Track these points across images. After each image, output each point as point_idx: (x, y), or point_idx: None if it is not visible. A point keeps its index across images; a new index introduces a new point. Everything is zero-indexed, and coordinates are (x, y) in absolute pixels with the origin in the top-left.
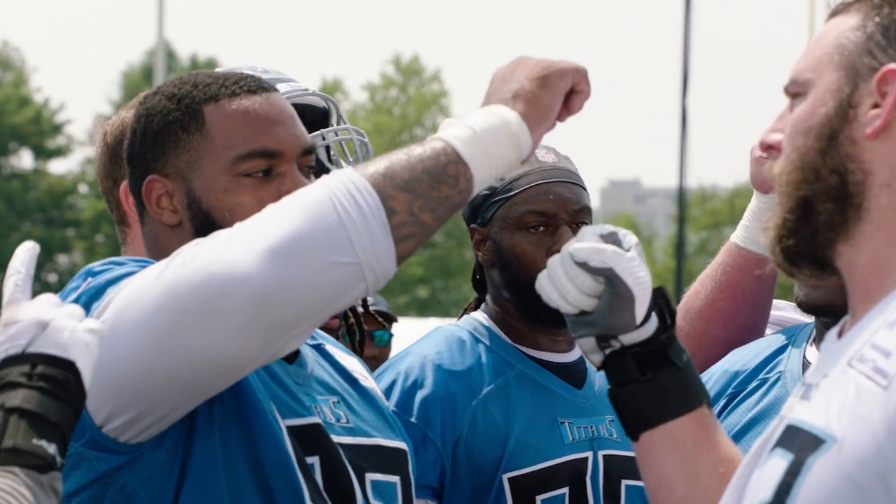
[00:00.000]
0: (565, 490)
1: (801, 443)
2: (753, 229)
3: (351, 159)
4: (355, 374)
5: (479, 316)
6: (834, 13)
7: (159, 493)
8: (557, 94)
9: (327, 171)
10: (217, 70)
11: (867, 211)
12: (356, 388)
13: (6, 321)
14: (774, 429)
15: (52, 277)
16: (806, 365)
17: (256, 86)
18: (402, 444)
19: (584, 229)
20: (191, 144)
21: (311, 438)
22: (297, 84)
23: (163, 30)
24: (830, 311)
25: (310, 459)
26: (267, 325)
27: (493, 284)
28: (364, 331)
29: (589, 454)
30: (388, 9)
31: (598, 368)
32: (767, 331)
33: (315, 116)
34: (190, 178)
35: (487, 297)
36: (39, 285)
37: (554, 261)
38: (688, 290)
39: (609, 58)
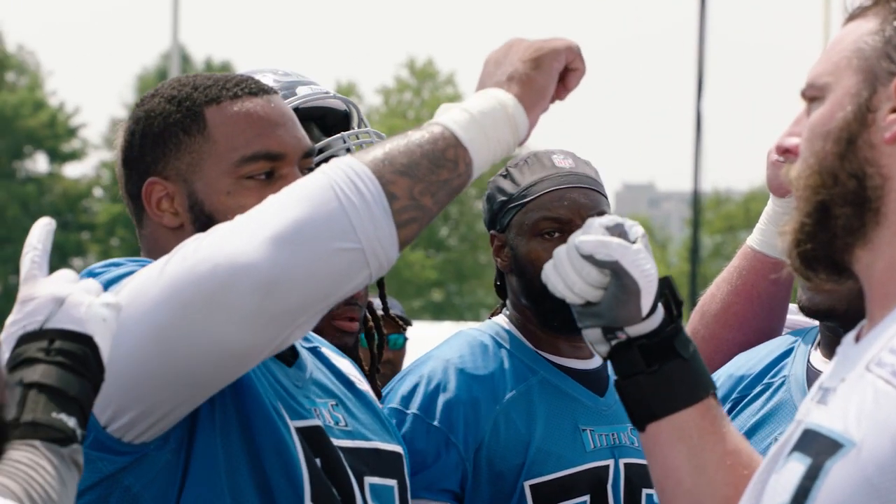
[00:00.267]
0: (586, 498)
1: (818, 447)
2: (769, 233)
3: None
4: (351, 377)
5: (501, 321)
6: (851, 17)
7: (163, 495)
8: (552, 74)
9: None
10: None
11: (885, 215)
12: (353, 391)
13: (23, 298)
14: (791, 433)
15: None
16: (810, 369)
17: (257, 88)
18: (398, 448)
19: (590, 221)
20: (192, 146)
21: (313, 441)
22: (317, 87)
23: (178, 33)
24: (833, 316)
25: None
26: (273, 314)
27: (512, 290)
28: (383, 334)
29: (610, 462)
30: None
31: (605, 359)
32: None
33: (336, 119)
34: (192, 181)
35: (508, 303)
36: None
37: (560, 252)
38: (703, 293)
39: (624, 61)
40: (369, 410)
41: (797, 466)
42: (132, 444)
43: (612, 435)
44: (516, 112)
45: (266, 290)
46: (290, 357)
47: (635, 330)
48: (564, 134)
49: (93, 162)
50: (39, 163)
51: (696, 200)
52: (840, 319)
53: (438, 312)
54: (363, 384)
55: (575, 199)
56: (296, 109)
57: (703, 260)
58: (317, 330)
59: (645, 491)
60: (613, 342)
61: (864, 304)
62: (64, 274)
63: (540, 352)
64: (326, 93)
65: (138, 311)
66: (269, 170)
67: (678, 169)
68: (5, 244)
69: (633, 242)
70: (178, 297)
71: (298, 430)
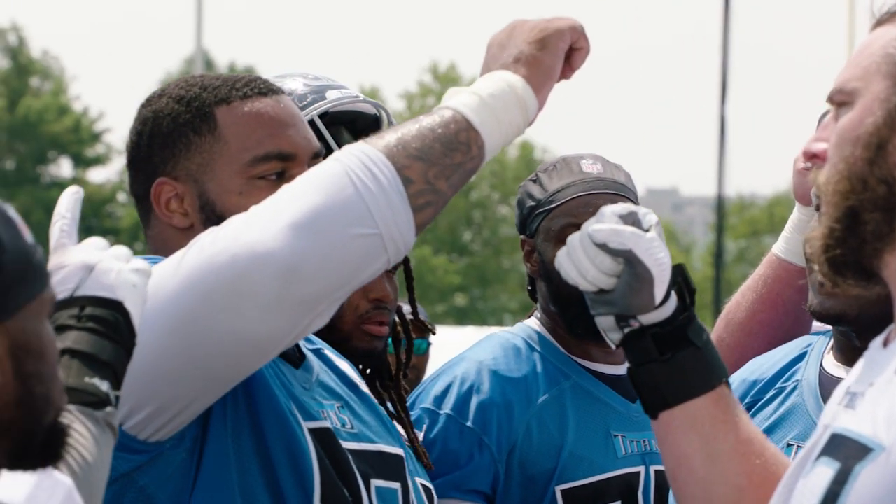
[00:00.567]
0: None
1: (847, 451)
2: (795, 241)
3: None
4: (355, 379)
5: (533, 324)
6: (879, 22)
7: (177, 495)
8: (558, 54)
9: None
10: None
11: None
12: (357, 394)
13: (54, 266)
14: (819, 437)
15: None
16: (823, 373)
17: (266, 88)
18: (400, 451)
19: (604, 209)
20: (203, 147)
21: (323, 443)
22: (347, 91)
23: (201, 38)
24: (844, 321)
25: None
26: (293, 301)
27: (541, 295)
28: (412, 338)
29: (641, 469)
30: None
31: (617, 347)
32: None
33: (366, 123)
34: (202, 181)
35: (538, 307)
36: None
37: (573, 239)
38: (728, 300)
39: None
40: (373, 413)
41: (825, 471)
42: (148, 443)
43: (643, 441)
44: (525, 94)
45: (286, 277)
46: (296, 359)
47: (648, 318)
48: (587, 138)
49: (117, 167)
50: (63, 168)
51: (720, 205)
52: (851, 324)
53: (462, 317)
54: (363, 386)
55: (600, 206)
56: (326, 113)
57: (727, 265)
58: (346, 334)
59: None
60: (626, 330)
61: (875, 310)
62: (94, 241)
63: (571, 356)
64: (356, 97)
65: (156, 304)
66: (281, 170)
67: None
68: None
69: (647, 231)
70: (197, 289)
71: (310, 430)
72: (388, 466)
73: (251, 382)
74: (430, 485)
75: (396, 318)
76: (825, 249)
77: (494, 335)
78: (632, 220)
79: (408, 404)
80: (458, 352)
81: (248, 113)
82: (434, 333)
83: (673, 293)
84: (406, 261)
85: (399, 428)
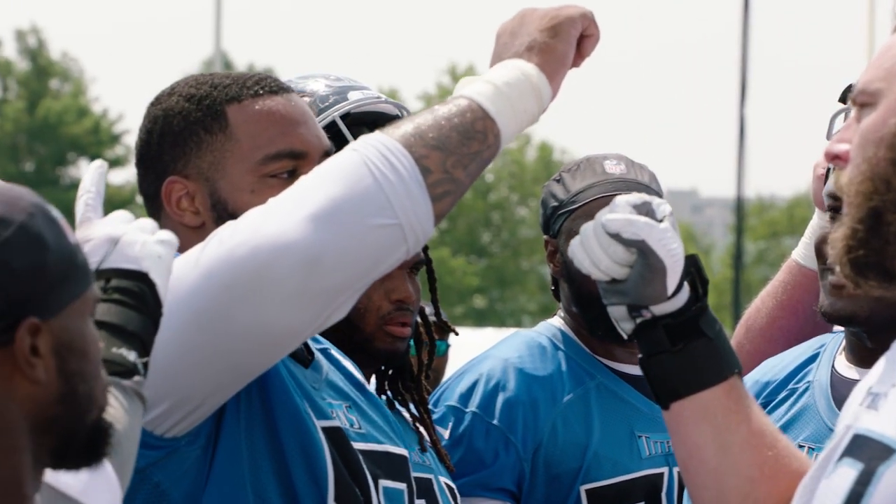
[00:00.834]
0: None
1: (870, 452)
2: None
3: None
4: (360, 380)
5: (557, 323)
6: None
7: (191, 493)
8: (570, 41)
9: None
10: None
11: None
12: (364, 394)
13: (80, 240)
14: (841, 438)
15: None
16: (834, 374)
17: (277, 86)
18: (405, 452)
19: (617, 199)
20: (214, 145)
21: (335, 442)
22: (369, 92)
23: (220, 40)
24: (855, 322)
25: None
26: (315, 292)
27: (563, 296)
28: (434, 339)
29: (665, 470)
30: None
31: (629, 337)
32: None
33: (387, 124)
34: (214, 179)
35: (562, 307)
36: None
37: (587, 229)
38: (748, 306)
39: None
40: (379, 413)
41: (848, 472)
42: (164, 438)
43: (667, 442)
44: (540, 82)
45: (308, 268)
46: (306, 358)
47: (660, 308)
48: (606, 139)
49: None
50: (83, 169)
51: (740, 206)
52: (862, 325)
53: (480, 319)
54: (370, 386)
55: None
56: (347, 114)
57: (746, 266)
58: (368, 335)
59: None
60: (638, 320)
61: (887, 311)
62: (118, 215)
63: (595, 356)
64: (378, 97)
65: (176, 298)
66: (292, 168)
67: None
68: None
69: (660, 221)
70: (218, 282)
71: (323, 429)
72: (395, 467)
73: (265, 380)
74: (453, 484)
75: (419, 319)
76: (847, 250)
77: (519, 333)
78: (645, 210)
79: (429, 403)
80: (476, 353)
81: (259, 111)
82: (457, 334)
83: (685, 284)
84: (428, 262)
85: (421, 429)
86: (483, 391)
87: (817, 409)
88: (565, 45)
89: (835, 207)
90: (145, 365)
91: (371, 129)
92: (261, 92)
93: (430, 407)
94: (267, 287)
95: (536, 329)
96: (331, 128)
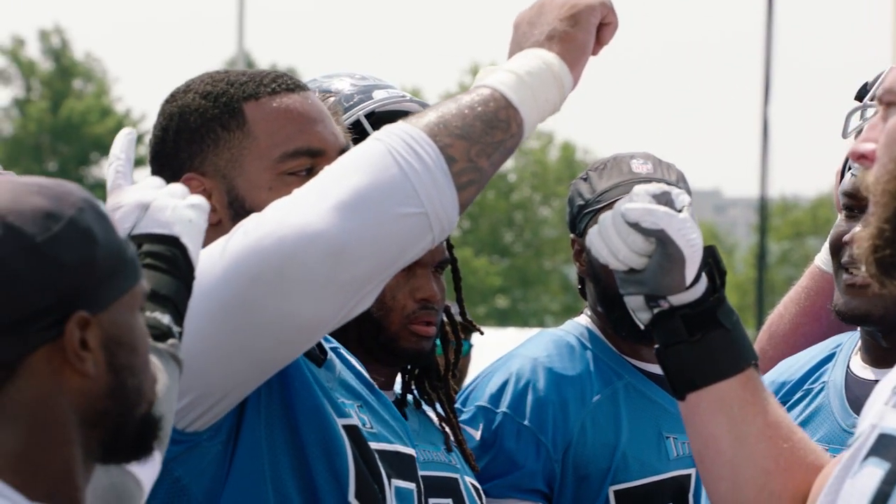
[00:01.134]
0: None
1: None
2: None
3: None
4: (370, 379)
5: (585, 321)
6: None
7: (212, 488)
8: (590, 30)
9: None
10: (253, 70)
11: None
12: (374, 393)
13: (111, 207)
14: (866, 438)
15: None
16: (849, 375)
17: (293, 84)
18: (413, 451)
19: (637, 188)
20: (231, 142)
21: (353, 440)
22: (394, 91)
23: (243, 40)
24: (869, 321)
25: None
26: (342, 282)
27: (589, 295)
28: (461, 339)
29: (692, 471)
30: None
31: (646, 327)
32: None
33: None
34: (231, 177)
35: (588, 306)
36: None
37: (605, 218)
38: (771, 311)
39: (689, 66)
40: (388, 412)
41: (875, 471)
42: (185, 433)
43: None
44: (562, 71)
45: (335, 258)
46: (319, 357)
47: (678, 299)
48: (629, 139)
49: None
50: (106, 170)
51: (763, 206)
52: (877, 324)
53: (503, 319)
54: (397, 386)
55: None
56: (372, 113)
57: (770, 266)
58: (393, 334)
59: None
60: (656, 310)
61: None
62: (149, 181)
63: (623, 355)
64: (403, 96)
65: (201, 290)
66: (310, 166)
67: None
68: None
69: (680, 211)
70: (244, 273)
71: (343, 427)
72: (405, 467)
73: (286, 376)
74: (478, 484)
75: (445, 319)
76: (874, 250)
77: (546, 332)
78: (665, 199)
79: (456, 403)
80: (499, 353)
81: (277, 109)
82: (482, 333)
83: (703, 275)
84: (453, 260)
85: (447, 429)
86: (513, 391)
87: (831, 410)
88: (585, 33)
89: (849, 206)
90: (180, 328)
91: None
92: (278, 89)
93: (457, 406)
94: (293, 277)
95: (563, 328)
96: (355, 127)
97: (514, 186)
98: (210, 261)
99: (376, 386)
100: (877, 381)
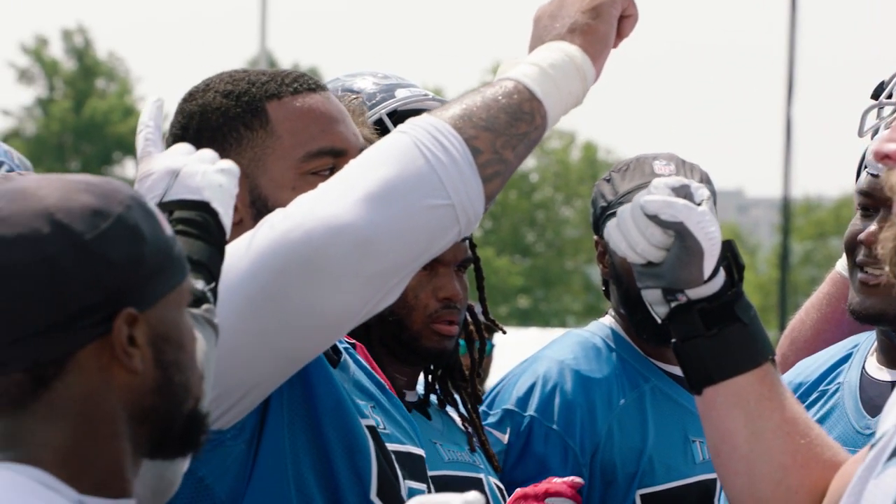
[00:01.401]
0: None
1: None
2: None
3: None
4: (381, 379)
5: (610, 322)
6: None
7: (235, 488)
8: (612, 22)
9: None
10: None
11: None
12: (385, 394)
13: (142, 175)
14: (889, 438)
15: None
16: (864, 375)
17: (314, 84)
18: (423, 452)
19: (656, 181)
20: (254, 142)
21: (374, 439)
22: (417, 89)
23: (265, 39)
24: (883, 320)
25: None
26: (369, 275)
27: (612, 297)
28: (484, 338)
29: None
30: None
31: (663, 321)
32: None
33: None
34: (254, 176)
35: (612, 307)
36: None
37: (624, 211)
38: (794, 313)
39: (712, 65)
40: (399, 413)
41: None
42: (209, 430)
43: None
44: (584, 63)
45: (363, 250)
46: (334, 358)
47: (696, 293)
48: (652, 139)
49: None
50: (129, 168)
51: (786, 207)
52: (891, 324)
53: (524, 319)
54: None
55: None
56: (395, 112)
57: (792, 267)
58: (415, 333)
59: None
60: (673, 304)
61: None
62: (179, 147)
63: (648, 357)
64: (425, 95)
65: (227, 285)
66: (332, 165)
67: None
68: None
69: (699, 205)
70: (271, 266)
71: (366, 427)
72: (416, 467)
73: (308, 374)
74: (501, 485)
75: (469, 318)
76: None
77: (571, 334)
78: (684, 192)
79: (482, 405)
80: (520, 353)
81: (300, 108)
82: (504, 332)
83: (721, 269)
84: (476, 259)
85: (470, 430)
86: (541, 394)
87: (845, 411)
88: (607, 25)
89: (865, 205)
90: (214, 293)
91: None
92: (300, 89)
93: (483, 409)
94: (321, 270)
95: (589, 329)
96: (378, 125)
97: (536, 186)
98: (236, 255)
99: (387, 386)
100: (892, 382)
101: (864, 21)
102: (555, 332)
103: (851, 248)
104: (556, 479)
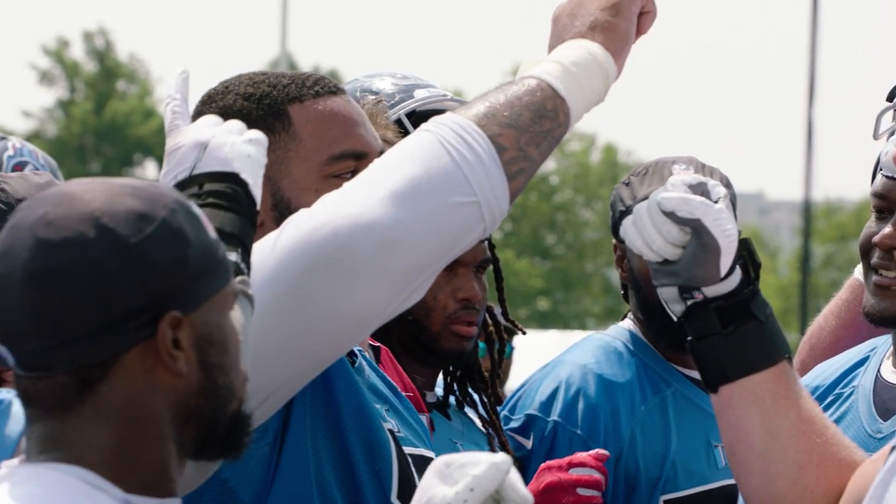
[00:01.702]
0: None
1: None
2: None
3: None
4: (394, 382)
5: (630, 326)
6: None
7: (258, 491)
8: (632, 19)
9: None
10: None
11: None
12: (398, 397)
13: (170, 148)
14: None
15: None
16: (878, 380)
17: (335, 87)
18: (434, 455)
19: (672, 179)
20: (277, 144)
21: (393, 441)
22: (435, 90)
23: (286, 41)
24: None
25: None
26: (396, 272)
27: (631, 302)
28: (504, 340)
29: None
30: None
31: (679, 319)
32: None
33: None
34: (276, 179)
35: (631, 309)
36: None
37: (640, 208)
38: (815, 316)
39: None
40: (411, 415)
41: None
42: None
43: None
44: (606, 61)
45: (389, 247)
46: (350, 360)
47: (712, 290)
48: (672, 141)
49: None
50: (149, 170)
51: (808, 209)
52: None
53: (544, 321)
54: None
55: None
56: (413, 112)
57: (814, 270)
58: (434, 334)
59: None
60: (689, 302)
61: None
62: (206, 119)
63: (669, 362)
64: (444, 95)
65: (253, 285)
66: (354, 168)
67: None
68: None
69: (716, 202)
70: (298, 265)
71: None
72: None
73: (329, 376)
74: None
75: (488, 320)
76: None
77: (592, 337)
78: (701, 190)
79: (504, 409)
80: (540, 356)
81: (322, 111)
82: (524, 333)
83: (737, 267)
84: (496, 261)
85: (490, 431)
86: (564, 399)
87: (858, 414)
88: (627, 22)
89: (880, 208)
90: (247, 264)
91: None
92: (321, 92)
93: (506, 414)
94: (347, 268)
95: (609, 333)
96: (396, 125)
97: (557, 188)
98: (261, 255)
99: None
100: None
101: (885, 24)
102: (574, 335)
103: (866, 250)
104: (581, 453)
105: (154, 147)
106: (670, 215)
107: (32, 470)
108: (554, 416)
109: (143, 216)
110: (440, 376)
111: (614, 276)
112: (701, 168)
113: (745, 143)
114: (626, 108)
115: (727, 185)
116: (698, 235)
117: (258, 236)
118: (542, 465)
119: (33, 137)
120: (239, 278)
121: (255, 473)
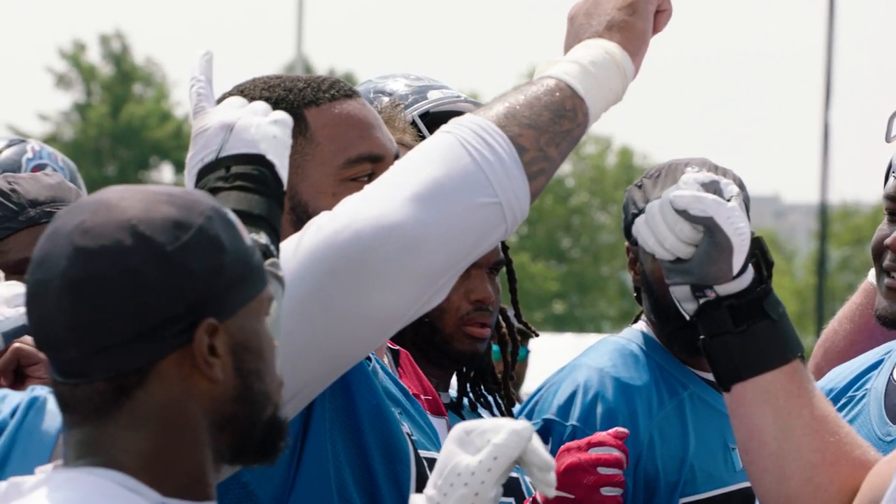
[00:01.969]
0: None
1: None
2: None
3: None
4: (405, 385)
5: (644, 328)
6: None
7: (279, 496)
8: (648, 18)
9: None
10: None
11: None
12: (409, 400)
13: (197, 131)
14: None
15: None
16: (890, 383)
17: (350, 90)
18: None
19: (685, 177)
20: (294, 148)
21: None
22: (449, 91)
23: (301, 44)
24: None
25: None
26: (418, 274)
27: (644, 305)
28: (517, 341)
29: None
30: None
31: (691, 317)
32: None
33: None
34: (293, 182)
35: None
36: None
37: (653, 206)
38: (830, 319)
39: (749, 70)
40: (423, 419)
41: None
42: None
43: None
44: (624, 60)
45: (412, 249)
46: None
47: (725, 289)
48: (688, 144)
49: None
50: (165, 173)
51: (824, 212)
52: None
53: (560, 324)
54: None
55: None
56: (427, 113)
57: (830, 273)
58: (447, 336)
59: None
60: (702, 300)
61: None
62: (231, 101)
63: (685, 364)
64: (458, 96)
65: None
66: (371, 171)
67: (805, 180)
68: None
69: (728, 200)
70: (320, 267)
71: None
72: None
73: (348, 379)
74: None
75: (502, 322)
76: None
77: (607, 340)
78: (713, 188)
79: (522, 414)
80: (555, 359)
81: (338, 115)
82: (537, 335)
83: (750, 265)
84: (508, 262)
85: None
86: (582, 403)
87: (869, 417)
88: (644, 21)
89: (892, 210)
90: (277, 246)
91: None
92: (337, 95)
93: (524, 419)
94: (370, 270)
95: (624, 335)
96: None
97: (572, 191)
98: (284, 257)
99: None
100: None
101: None
102: (590, 338)
103: (879, 252)
104: (600, 432)
105: (170, 150)
106: (683, 213)
107: (69, 475)
108: (572, 421)
109: (179, 224)
110: (454, 378)
111: (630, 279)
112: (714, 169)
113: (761, 146)
114: (642, 111)
115: (740, 186)
116: (711, 233)
117: None
118: (562, 447)
119: (50, 141)
120: (269, 261)
121: (275, 476)
